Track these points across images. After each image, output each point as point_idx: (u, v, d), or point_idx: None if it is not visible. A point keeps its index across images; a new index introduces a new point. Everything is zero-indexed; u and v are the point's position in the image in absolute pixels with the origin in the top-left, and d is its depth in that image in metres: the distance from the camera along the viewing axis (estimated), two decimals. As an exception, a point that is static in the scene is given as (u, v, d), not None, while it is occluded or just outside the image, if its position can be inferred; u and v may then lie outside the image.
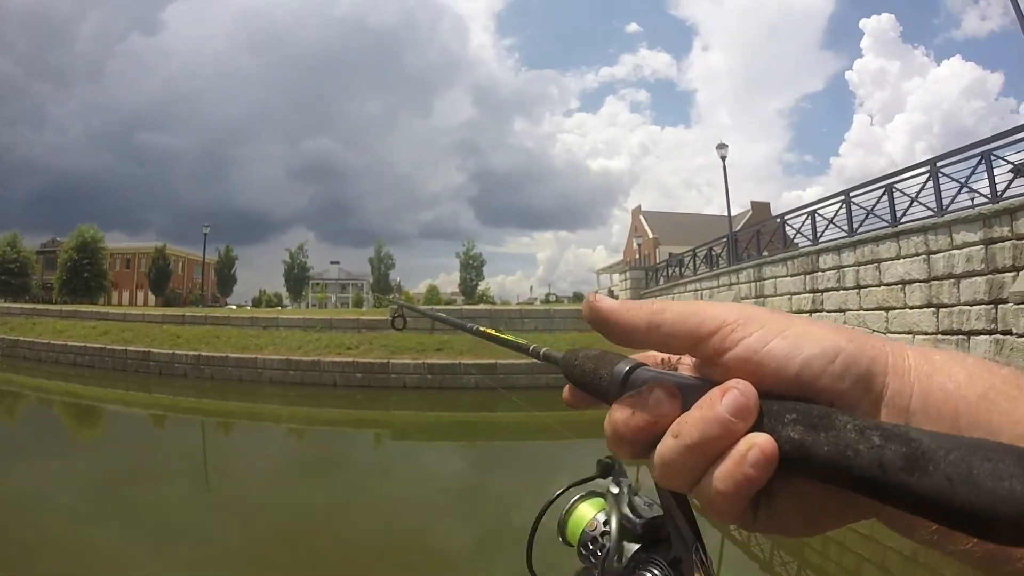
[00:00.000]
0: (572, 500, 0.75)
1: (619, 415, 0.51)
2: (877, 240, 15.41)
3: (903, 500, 0.37)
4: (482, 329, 0.96)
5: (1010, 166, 12.69)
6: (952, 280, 12.73)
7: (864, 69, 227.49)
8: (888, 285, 14.86)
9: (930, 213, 14.19)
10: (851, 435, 0.40)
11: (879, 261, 15.23)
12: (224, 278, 79.23)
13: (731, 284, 23.23)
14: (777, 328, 0.48)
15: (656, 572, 0.58)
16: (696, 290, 26.30)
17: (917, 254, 13.87)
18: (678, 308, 0.52)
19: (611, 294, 46.10)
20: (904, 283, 14.27)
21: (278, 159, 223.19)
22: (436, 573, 7.29)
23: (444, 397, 21.57)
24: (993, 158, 12.87)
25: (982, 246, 11.99)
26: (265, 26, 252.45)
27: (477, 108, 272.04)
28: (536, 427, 18.43)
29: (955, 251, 12.68)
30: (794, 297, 18.94)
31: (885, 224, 15.74)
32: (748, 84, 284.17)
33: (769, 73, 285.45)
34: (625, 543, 0.64)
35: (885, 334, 14.40)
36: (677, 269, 30.88)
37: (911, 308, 13.98)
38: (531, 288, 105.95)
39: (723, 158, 30.25)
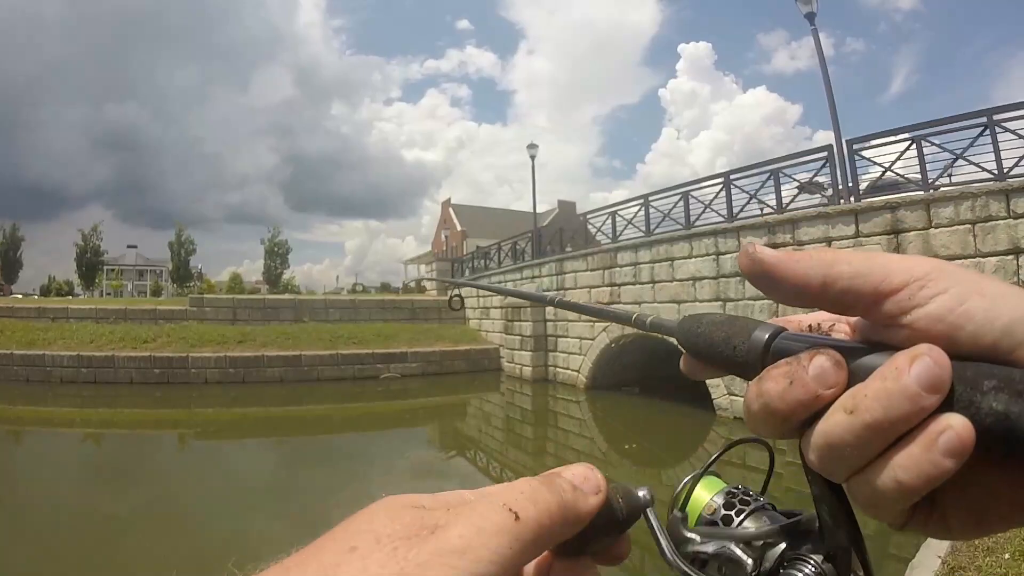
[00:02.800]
0: (684, 482, 0.63)
1: (772, 387, 0.43)
2: (672, 240, 16.66)
3: None
4: (567, 300, 0.88)
5: (796, 183, 14.12)
6: (738, 278, 13.97)
7: (677, 88, 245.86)
8: (680, 281, 16.11)
9: (721, 219, 15.54)
10: None
11: (673, 259, 16.45)
12: (9, 262, 71.07)
13: (534, 277, 23.94)
14: (972, 285, 0.40)
15: (809, 571, 0.48)
16: (500, 282, 26.79)
17: (708, 254, 15.19)
18: (856, 259, 0.44)
19: (418, 285, 46.13)
20: (695, 279, 15.56)
21: (76, 126, 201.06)
22: (255, 576, 7.11)
23: (248, 392, 20.85)
24: (782, 176, 14.31)
25: (766, 249, 13.23)
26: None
27: (297, 88, 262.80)
28: (343, 419, 18.34)
29: (742, 253, 13.92)
30: (593, 290, 19.91)
31: (680, 227, 16.94)
32: (567, 90, 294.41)
33: (589, 82, 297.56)
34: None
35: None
36: (483, 261, 31.34)
37: (701, 301, 15.24)
38: (337, 278, 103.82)
39: (532, 157, 31.20)
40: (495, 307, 26.58)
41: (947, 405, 0.37)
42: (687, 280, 15.93)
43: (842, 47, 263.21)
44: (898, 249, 10.99)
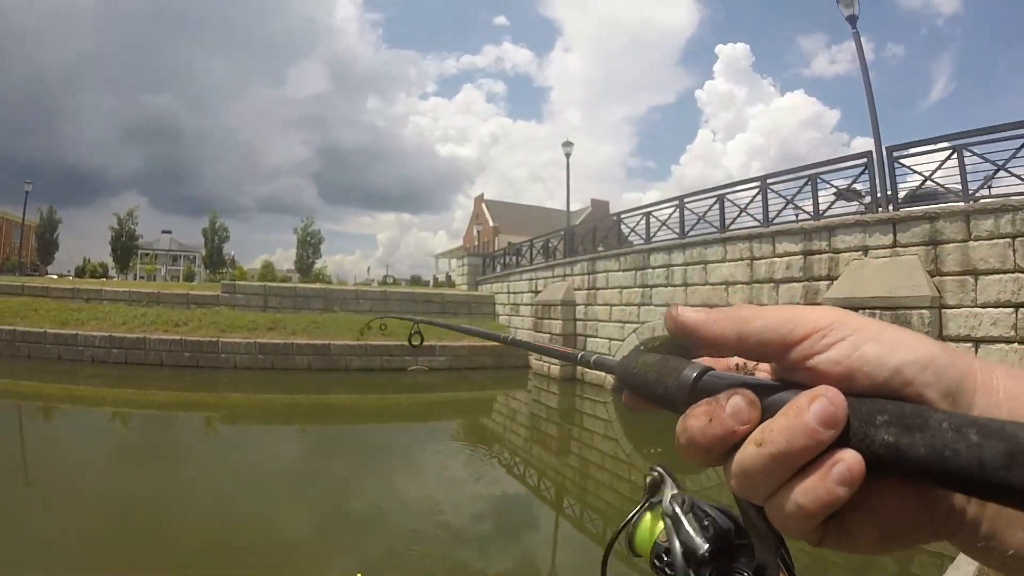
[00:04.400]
0: (636, 510, 0.70)
1: (695, 424, 0.49)
2: (706, 243, 16.50)
3: (1002, 495, 0.37)
4: (519, 339, 0.93)
5: (834, 190, 13.89)
6: (772, 284, 13.88)
7: (714, 90, 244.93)
8: (713, 285, 15.99)
9: (756, 223, 15.35)
10: (948, 434, 0.39)
11: (706, 262, 16.31)
12: (45, 244, 71.39)
13: (565, 275, 23.92)
14: (870, 333, 0.47)
15: (739, 571, 0.54)
16: (531, 279, 26.85)
17: (742, 258, 15.03)
18: (768, 315, 0.50)
19: (448, 279, 46.31)
20: (728, 284, 15.42)
21: (115, 113, 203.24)
22: (277, 563, 7.08)
23: (276, 378, 21.07)
24: (819, 181, 14.07)
25: (801, 256, 13.14)
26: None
27: (332, 81, 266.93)
28: (369, 410, 18.39)
29: (776, 259, 13.81)
30: (625, 291, 19.81)
31: (714, 230, 16.79)
32: (602, 89, 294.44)
33: (624, 81, 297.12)
34: (693, 569, 0.59)
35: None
36: (514, 258, 31.31)
37: (733, 306, 15.01)
38: (368, 269, 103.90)
39: (567, 155, 31.15)
40: (525, 304, 26.60)
41: (844, 439, 0.43)
42: (720, 284, 15.81)
43: (882, 51, 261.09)
44: (936, 261, 10.86)
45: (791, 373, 0.49)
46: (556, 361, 22.19)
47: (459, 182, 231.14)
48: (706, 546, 0.60)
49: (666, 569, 0.64)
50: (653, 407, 0.57)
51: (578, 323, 22.52)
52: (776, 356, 0.50)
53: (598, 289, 21.59)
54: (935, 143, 12.34)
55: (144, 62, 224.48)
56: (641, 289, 19.11)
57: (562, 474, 12.72)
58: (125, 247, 70.26)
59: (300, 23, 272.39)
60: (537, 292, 25.65)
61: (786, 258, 13.77)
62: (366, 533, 8.38)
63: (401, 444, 14.52)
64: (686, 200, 18.84)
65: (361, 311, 26.46)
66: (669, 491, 0.68)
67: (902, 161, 12.85)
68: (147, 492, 9.43)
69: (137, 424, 15.51)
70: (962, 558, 5.09)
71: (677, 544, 0.62)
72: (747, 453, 0.46)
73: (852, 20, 15.93)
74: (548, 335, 23.12)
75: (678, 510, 0.64)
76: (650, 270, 18.77)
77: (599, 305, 21.35)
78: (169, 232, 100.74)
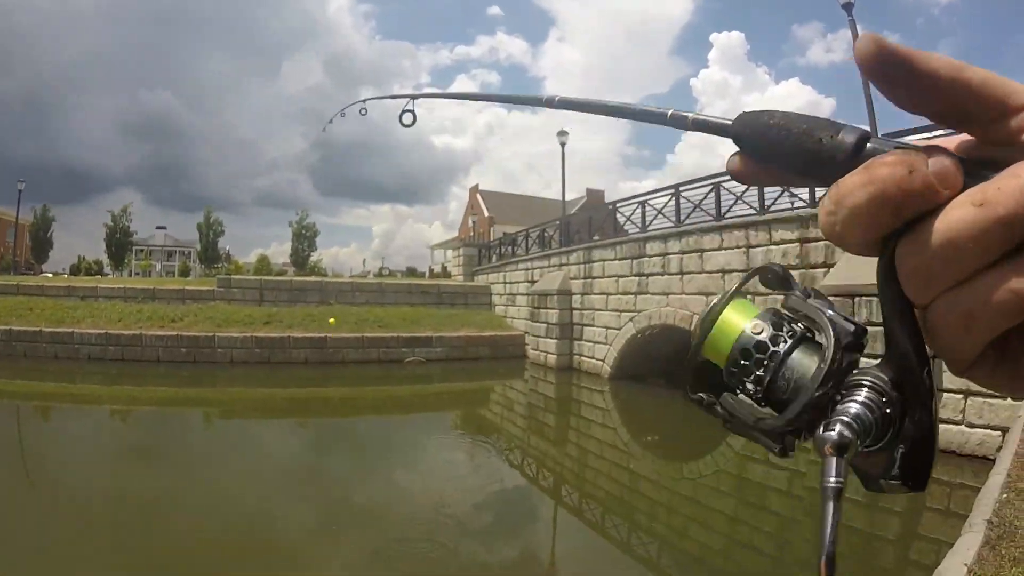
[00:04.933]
0: (712, 307, 0.52)
1: (888, 173, 0.38)
2: (702, 231, 16.48)
3: None
4: (569, 98, 0.77)
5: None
6: (768, 273, 13.77)
7: (708, 79, 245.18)
8: (709, 273, 16.00)
9: (752, 211, 15.32)
10: None
11: (702, 251, 16.31)
12: (40, 242, 70.41)
13: (561, 265, 23.84)
14: None
15: (870, 383, 0.43)
16: (527, 269, 26.76)
17: (738, 246, 15.05)
18: (982, 71, 0.40)
19: (444, 270, 46.22)
20: (724, 271, 15.46)
21: (109, 110, 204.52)
22: (280, 558, 7.05)
23: (274, 372, 21.04)
24: (815, 168, 14.06)
25: (798, 243, 13.13)
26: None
27: (327, 74, 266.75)
28: (367, 402, 18.39)
29: (773, 246, 13.82)
30: (621, 280, 19.79)
31: (710, 218, 16.77)
32: (597, 78, 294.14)
33: (619, 70, 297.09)
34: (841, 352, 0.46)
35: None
36: (510, 248, 31.21)
37: (730, 296, 15.03)
38: (364, 261, 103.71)
39: (563, 144, 31.13)
40: (522, 294, 26.54)
41: None
42: (716, 272, 15.83)
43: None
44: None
45: (993, 148, 0.40)
46: (553, 351, 22.24)
47: (454, 173, 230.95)
48: (852, 327, 0.46)
49: (756, 369, 0.49)
50: (778, 174, 0.48)
51: (575, 312, 22.46)
52: (989, 120, 0.39)
53: (594, 278, 21.54)
54: (931, 130, 12.32)
55: (138, 58, 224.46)
56: (637, 278, 19.09)
57: (560, 463, 12.72)
58: (120, 244, 69.90)
59: (293, 16, 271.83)
60: (533, 282, 25.56)
61: (783, 245, 13.78)
62: (366, 525, 8.38)
63: (399, 436, 14.50)
64: (682, 188, 18.82)
65: (357, 303, 26.39)
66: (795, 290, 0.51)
67: (898, 147, 12.85)
68: (145, 489, 9.41)
69: (135, 421, 15.46)
70: (960, 544, 5.05)
71: (829, 323, 0.46)
72: (959, 216, 0.36)
73: (848, 8, 15.93)
74: (545, 324, 23.08)
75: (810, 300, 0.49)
76: (646, 259, 18.76)
77: (595, 294, 21.31)
78: (164, 228, 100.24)
